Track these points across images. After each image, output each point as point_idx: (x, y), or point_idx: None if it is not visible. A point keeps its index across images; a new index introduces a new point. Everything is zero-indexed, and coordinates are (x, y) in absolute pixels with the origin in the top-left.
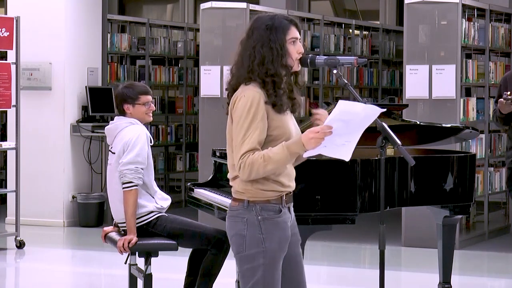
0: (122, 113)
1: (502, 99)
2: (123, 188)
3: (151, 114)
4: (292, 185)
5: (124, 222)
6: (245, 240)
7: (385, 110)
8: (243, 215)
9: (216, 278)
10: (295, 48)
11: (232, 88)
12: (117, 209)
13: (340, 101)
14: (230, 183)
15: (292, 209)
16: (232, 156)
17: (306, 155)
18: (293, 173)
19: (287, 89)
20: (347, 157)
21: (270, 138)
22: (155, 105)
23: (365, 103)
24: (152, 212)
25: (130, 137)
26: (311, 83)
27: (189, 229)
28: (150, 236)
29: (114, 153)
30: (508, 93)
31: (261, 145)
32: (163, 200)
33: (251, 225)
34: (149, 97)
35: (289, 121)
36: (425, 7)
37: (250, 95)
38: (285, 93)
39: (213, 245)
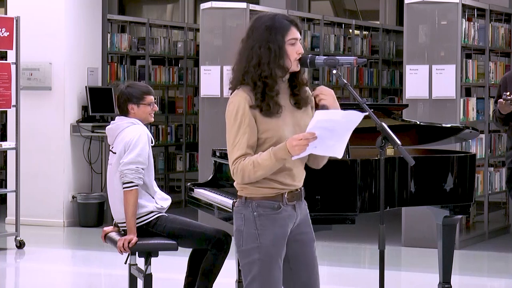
0: (125, 113)
1: (501, 100)
2: (124, 188)
3: (153, 114)
4: (296, 184)
5: (124, 222)
6: (242, 235)
7: (366, 114)
8: (242, 211)
9: (216, 278)
10: (295, 49)
11: (234, 88)
12: (117, 209)
13: (317, 112)
14: (234, 183)
15: (302, 207)
16: None
17: (296, 157)
18: (297, 172)
19: (290, 87)
20: (339, 155)
21: (260, 141)
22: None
23: (364, 103)
24: (152, 212)
25: (131, 137)
26: (311, 83)
27: (189, 229)
28: (150, 236)
29: (115, 153)
30: (508, 93)
31: (253, 149)
32: (163, 200)
33: (248, 221)
34: (153, 97)
35: (281, 123)
36: (425, 7)
37: (237, 101)
38: (277, 95)
39: (213, 245)
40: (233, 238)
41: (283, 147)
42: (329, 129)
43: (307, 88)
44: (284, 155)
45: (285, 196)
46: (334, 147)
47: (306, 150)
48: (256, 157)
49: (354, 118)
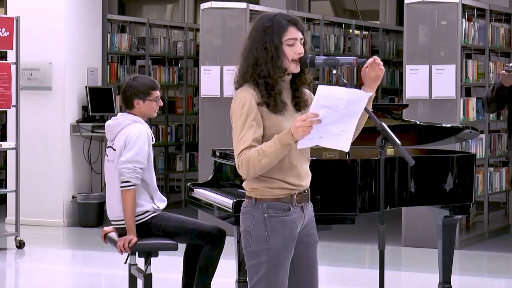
0: (130, 107)
1: (503, 71)
2: (121, 187)
3: (157, 110)
4: (304, 184)
5: (118, 220)
6: (251, 236)
7: (371, 94)
8: (251, 212)
9: (214, 274)
10: (293, 49)
11: (238, 88)
12: (112, 207)
13: (319, 86)
14: (243, 184)
15: (309, 209)
16: None
17: (300, 146)
18: (304, 172)
19: (291, 88)
20: (346, 148)
21: (265, 138)
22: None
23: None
24: (147, 211)
25: (131, 136)
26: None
27: (184, 226)
28: (147, 235)
29: (115, 149)
30: (510, 64)
31: (258, 142)
32: (161, 202)
33: (257, 222)
34: (158, 92)
35: (285, 121)
36: (425, 7)
37: (242, 96)
38: (280, 94)
39: (208, 241)
40: (233, 237)
41: (287, 131)
42: (332, 109)
43: (308, 91)
44: (288, 139)
45: (295, 197)
46: (340, 137)
47: (311, 139)
48: (260, 146)
49: (359, 96)
